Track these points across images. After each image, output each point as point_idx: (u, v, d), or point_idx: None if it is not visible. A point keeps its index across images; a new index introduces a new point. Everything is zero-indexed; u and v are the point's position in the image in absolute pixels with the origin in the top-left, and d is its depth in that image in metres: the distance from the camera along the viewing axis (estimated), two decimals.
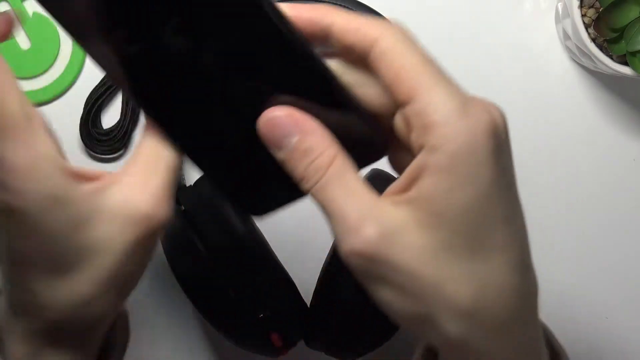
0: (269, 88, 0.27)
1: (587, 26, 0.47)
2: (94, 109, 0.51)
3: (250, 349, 0.44)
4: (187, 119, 0.29)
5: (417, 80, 0.26)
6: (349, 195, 0.26)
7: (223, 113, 0.28)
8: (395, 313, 0.28)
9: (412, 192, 0.26)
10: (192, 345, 0.53)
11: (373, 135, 0.28)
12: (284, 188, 0.29)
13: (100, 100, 0.51)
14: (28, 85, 0.52)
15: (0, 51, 0.51)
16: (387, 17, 0.30)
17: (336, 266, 0.43)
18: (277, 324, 0.42)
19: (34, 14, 0.51)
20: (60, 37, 0.52)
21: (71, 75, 0.52)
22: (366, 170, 0.36)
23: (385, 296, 0.27)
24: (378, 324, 0.43)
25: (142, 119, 0.51)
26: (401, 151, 0.29)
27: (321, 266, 0.44)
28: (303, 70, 0.27)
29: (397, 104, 0.27)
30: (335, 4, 0.47)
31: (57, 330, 0.29)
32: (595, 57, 0.47)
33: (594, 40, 0.47)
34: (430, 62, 0.26)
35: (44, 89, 0.52)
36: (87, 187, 0.27)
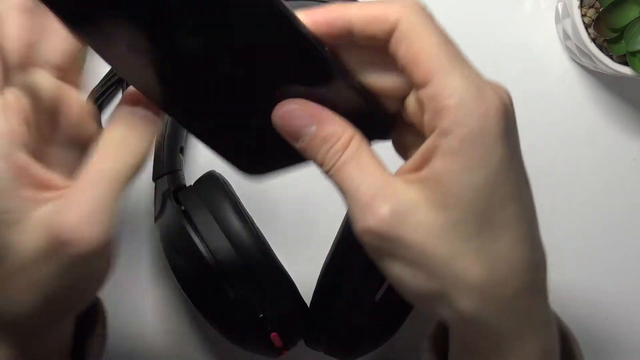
0: (274, 72, 0.28)
1: (587, 26, 0.47)
2: None
3: (250, 349, 0.44)
4: (190, 93, 0.29)
5: (434, 63, 0.26)
6: (363, 174, 0.27)
7: (228, 90, 0.29)
8: (408, 290, 0.28)
9: (424, 172, 0.27)
10: (192, 345, 0.53)
11: (379, 117, 0.29)
12: (284, 153, 0.29)
13: (101, 100, 0.51)
14: None
15: None
16: None
17: (336, 266, 0.43)
18: (277, 324, 0.42)
19: None
20: None
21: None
22: None
23: (398, 273, 0.28)
24: (378, 324, 0.43)
25: None
26: (406, 134, 0.29)
27: (321, 266, 0.44)
28: (308, 57, 0.27)
29: (413, 86, 0.27)
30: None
31: None
32: (595, 57, 0.47)
33: (594, 40, 0.47)
34: (447, 44, 0.27)
35: None
36: (28, 192, 0.27)
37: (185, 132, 0.50)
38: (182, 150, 0.49)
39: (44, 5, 0.25)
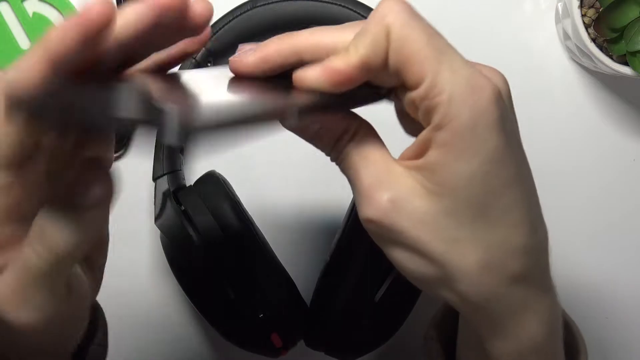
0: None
1: (587, 26, 0.47)
2: None
3: (250, 349, 0.44)
4: None
5: (423, 66, 0.26)
6: (366, 163, 0.29)
7: None
8: (410, 274, 0.29)
9: (421, 161, 0.28)
10: (192, 345, 0.53)
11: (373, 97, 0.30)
12: None
13: None
14: None
15: (0, 52, 0.51)
16: None
17: (336, 266, 0.43)
18: (277, 324, 0.42)
19: (34, 14, 0.51)
20: None
21: None
22: None
23: (400, 259, 0.29)
24: (378, 324, 0.43)
25: None
26: (406, 119, 0.30)
27: (321, 266, 0.44)
28: None
29: (405, 88, 0.28)
30: (336, 4, 0.47)
31: None
32: (595, 57, 0.47)
33: (594, 40, 0.47)
34: (433, 42, 0.27)
35: None
36: None
37: None
38: (182, 150, 0.49)
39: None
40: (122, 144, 0.51)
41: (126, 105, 0.21)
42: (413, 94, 0.27)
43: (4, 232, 0.27)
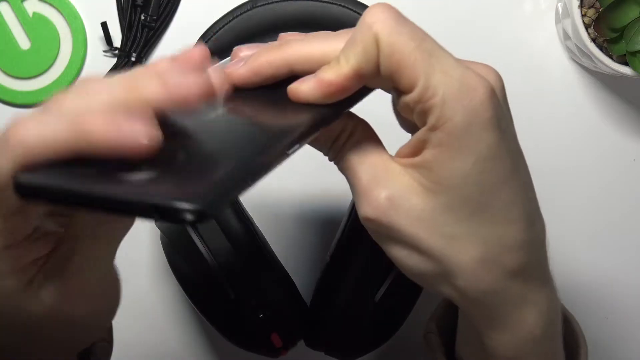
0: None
1: (587, 26, 0.47)
2: None
3: (250, 349, 0.44)
4: None
5: (414, 71, 0.26)
6: (363, 161, 0.29)
7: None
8: (409, 271, 0.30)
9: (417, 159, 0.28)
10: (192, 345, 0.53)
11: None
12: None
13: None
14: (28, 85, 0.52)
15: (0, 52, 0.51)
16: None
17: (336, 266, 0.43)
18: (277, 324, 0.42)
19: (34, 14, 0.51)
20: (60, 37, 0.52)
21: (71, 75, 0.52)
22: None
23: (399, 255, 0.29)
24: (378, 324, 0.43)
25: None
26: (402, 118, 0.31)
27: (321, 266, 0.44)
28: None
29: (399, 93, 0.28)
30: (336, 4, 0.47)
31: None
32: (595, 57, 0.47)
33: (594, 40, 0.47)
34: (422, 45, 0.27)
35: (44, 89, 0.52)
36: None
37: None
38: None
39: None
40: None
41: (136, 208, 0.21)
42: (407, 98, 0.27)
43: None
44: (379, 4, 0.27)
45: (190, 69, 0.24)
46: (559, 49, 0.53)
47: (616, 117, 0.53)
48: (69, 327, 0.30)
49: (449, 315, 0.38)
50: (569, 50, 0.52)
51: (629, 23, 0.45)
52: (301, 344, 0.45)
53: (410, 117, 0.28)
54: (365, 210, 0.29)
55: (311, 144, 0.30)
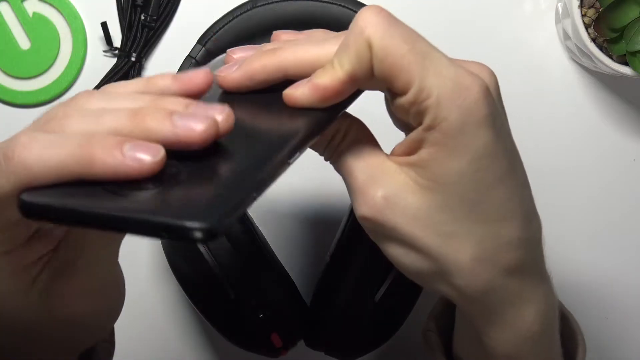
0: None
1: (587, 26, 0.47)
2: None
3: (250, 349, 0.44)
4: None
5: (408, 73, 0.27)
6: (358, 160, 0.29)
7: None
8: (406, 269, 0.30)
9: (413, 158, 0.28)
10: (192, 345, 0.53)
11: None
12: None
13: None
14: (28, 85, 0.52)
15: (0, 52, 0.51)
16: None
17: (336, 266, 0.43)
18: (277, 324, 0.42)
19: (34, 14, 0.51)
20: (60, 37, 0.52)
21: (71, 75, 0.52)
22: None
23: (396, 254, 0.29)
24: (378, 324, 0.43)
25: None
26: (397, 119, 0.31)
27: (321, 266, 0.44)
28: None
29: (393, 95, 0.28)
30: (336, 4, 0.47)
31: None
32: (595, 57, 0.47)
33: (594, 40, 0.47)
34: (415, 47, 0.27)
35: (44, 89, 0.52)
36: None
37: None
38: None
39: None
40: None
41: (145, 228, 0.21)
42: (402, 100, 0.27)
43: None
44: (370, 6, 0.27)
45: (201, 113, 0.24)
46: (559, 49, 0.53)
47: (616, 117, 0.53)
48: (69, 327, 0.30)
49: (448, 314, 0.38)
50: (569, 50, 0.52)
51: (629, 23, 0.45)
52: (301, 344, 0.45)
53: (406, 118, 0.28)
54: (362, 209, 0.29)
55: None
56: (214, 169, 0.24)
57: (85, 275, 0.29)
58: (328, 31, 0.31)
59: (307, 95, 0.28)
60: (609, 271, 0.54)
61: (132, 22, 0.51)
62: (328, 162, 0.31)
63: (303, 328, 0.44)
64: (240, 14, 0.47)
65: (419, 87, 0.26)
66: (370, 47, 0.27)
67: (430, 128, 0.27)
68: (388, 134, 0.31)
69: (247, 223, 0.43)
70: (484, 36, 0.53)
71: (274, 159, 0.25)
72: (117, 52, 0.51)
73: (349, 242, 0.42)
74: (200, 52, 0.47)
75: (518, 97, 0.52)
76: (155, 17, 0.51)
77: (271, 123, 0.28)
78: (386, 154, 0.30)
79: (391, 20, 0.27)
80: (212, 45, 0.47)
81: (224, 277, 0.41)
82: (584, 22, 0.47)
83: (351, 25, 0.27)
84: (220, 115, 0.24)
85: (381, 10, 0.27)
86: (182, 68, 0.47)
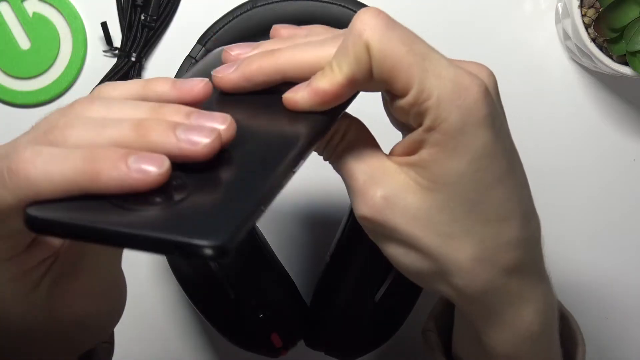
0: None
1: (587, 26, 0.47)
2: None
3: (251, 349, 0.44)
4: None
5: (408, 76, 0.26)
6: (358, 160, 0.29)
7: None
8: (406, 269, 0.30)
9: (413, 158, 0.28)
10: (192, 345, 0.53)
11: None
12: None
13: None
14: (28, 85, 0.52)
15: (0, 52, 0.51)
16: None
17: (336, 266, 0.43)
18: (277, 324, 0.42)
19: (34, 14, 0.51)
20: (60, 37, 0.52)
21: (71, 75, 0.52)
22: None
23: (395, 254, 0.30)
24: (378, 324, 0.43)
25: None
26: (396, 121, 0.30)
27: (321, 266, 0.44)
28: None
29: (393, 97, 0.28)
30: (336, 4, 0.47)
31: None
32: (595, 57, 0.47)
33: (594, 40, 0.47)
34: (414, 49, 0.27)
35: (44, 89, 0.52)
36: None
37: None
38: None
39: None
40: None
41: (154, 245, 0.21)
42: (402, 102, 0.27)
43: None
44: (368, 8, 0.27)
45: (204, 124, 0.24)
46: (559, 49, 0.53)
47: (616, 117, 0.53)
48: (70, 328, 0.30)
49: (447, 314, 0.39)
50: (569, 50, 0.52)
51: (629, 23, 0.45)
52: (301, 344, 0.45)
53: (405, 119, 0.28)
54: (362, 209, 0.29)
55: None
56: (219, 180, 0.24)
57: (87, 277, 0.29)
58: (327, 27, 0.31)
59: (307, 99, 0.27)
60: (609, 271, 0.54)
61: (132, 22, 0.51)
62: (327, 161, 0.31)
63: (303, 328, 0.44)
64: (240, 14, 0.47)
65: (419, 88, 0.26)
66: (368, 50, 0.26)
67: (430, 129, 0.27)
68: (387, 133, 0.31)
69: None
70: (483, 37, 0.53)
71: (279, 170, 0.24)
72: (117, 52, 0.51)
73: (349, 242, 0.42)
74: (200, 52, 0.47)
75: (518, 97, 0.52)
76: (155, 17, 0.51)
77: (272, 127, 0.28)
78: (385, 154, 0.30)
79: (389, 22, 0.27)
80: (212, 45, 0.48)
81: (224, 277, 0.41)
82: (584, 22, 0.47)
83: (349, 28, 0.27)
84: (223, 124, 0.24)
85: (379, 13, 0.27)
86: (182, 68, 0.47)
